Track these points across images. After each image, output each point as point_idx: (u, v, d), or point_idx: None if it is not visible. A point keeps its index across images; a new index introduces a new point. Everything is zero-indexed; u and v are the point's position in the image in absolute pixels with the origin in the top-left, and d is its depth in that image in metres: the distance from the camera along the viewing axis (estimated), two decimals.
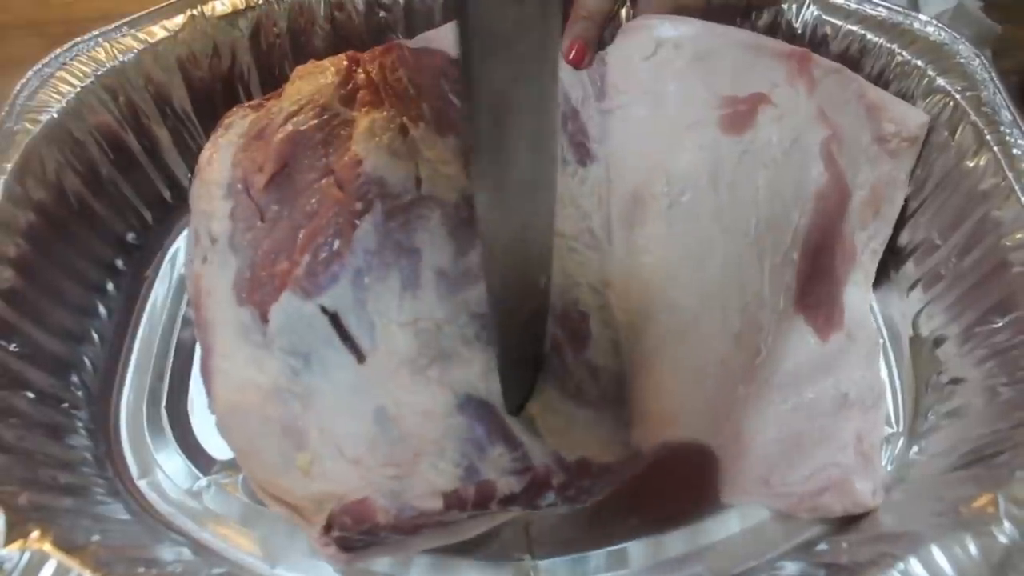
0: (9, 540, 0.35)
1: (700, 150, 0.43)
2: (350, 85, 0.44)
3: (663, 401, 0.38)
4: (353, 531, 0.36)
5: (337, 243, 0.38)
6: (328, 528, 0.36)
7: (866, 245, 0.49)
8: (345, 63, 0.45)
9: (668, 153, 0.44)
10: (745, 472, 0.42)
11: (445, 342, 0.37)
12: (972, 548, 0.35)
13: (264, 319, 0.38)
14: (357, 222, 0.38)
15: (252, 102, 0.47)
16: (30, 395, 0.44)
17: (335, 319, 0.37)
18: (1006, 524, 0.35)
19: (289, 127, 0.42)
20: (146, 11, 0.53)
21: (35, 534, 0.36)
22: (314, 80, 0.44)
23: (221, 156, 0.43)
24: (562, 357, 0.38)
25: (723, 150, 0.44)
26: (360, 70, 0.44)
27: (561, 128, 0.45)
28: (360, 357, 0.37)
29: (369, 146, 0.41)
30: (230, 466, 0.46)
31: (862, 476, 0.42)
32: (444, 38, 0.48)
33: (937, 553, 0.35)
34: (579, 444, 0.37)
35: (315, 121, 0.42)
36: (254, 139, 0.43)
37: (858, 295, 0.47)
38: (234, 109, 0.47)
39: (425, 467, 0.35)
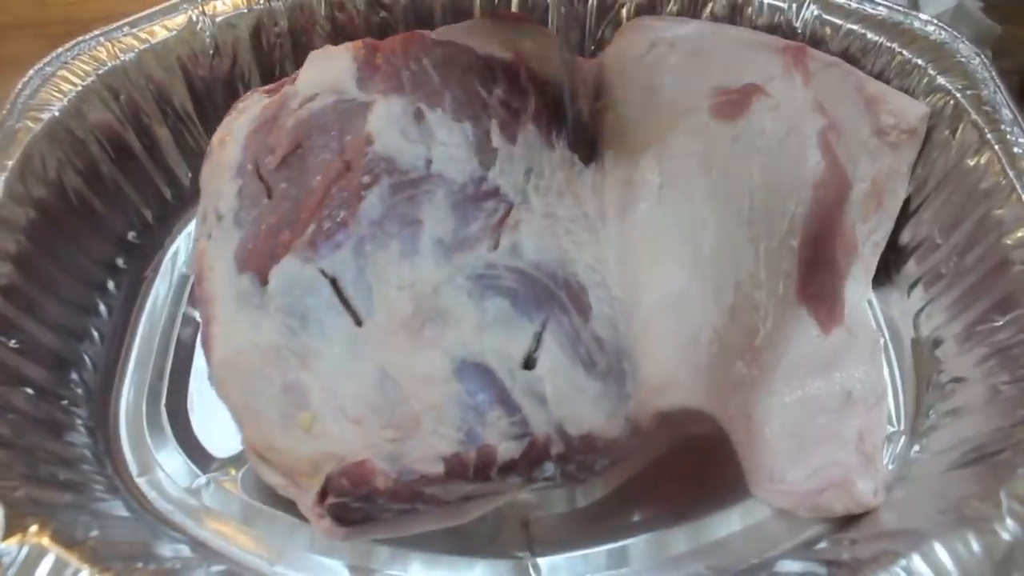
0: (8, 534, 0.35)
1: (692, 135, 0.44)
2: (367, 70, 0.44)
3: (657, 369, 0.39)
4: (350, 496, 0.35)
5: (343, 213, 0.39)
6: (323, 496, 0.36)
7: (867, 238, 0.49)
8: (363, 49, 0.45)
9: (661, 137, 0.44)
10: (756, 462, 0.42)
11: (441, 302, 0.38)
12: (975, 545, 0.35)
13: (263, 282, 0.39)
14: (364, 194, 0.40)
15: (267, 87, 0.48)
16: (29, 391, 0.44)
17: (334, 283, 0.39)
18: (1009, 521, 0.35)
19: (304, 112, 0.43)
20: (147, 11, 0.54)
21: (34, 528, 0.36)
22: (330, 65, 0.44)
23: (233, 138, 0.44)
24: (571, 320, 0.38)
25: (715, 135, 0.44)
26: (379, 57, 0.45)
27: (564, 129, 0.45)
28: (357, 320, 0.38)
29: (382, 127, 0.42)
30: (229, 464, 0.46)
31: (864, 475, 0.42)
32: (469, 35, 0.48)
33: (940, 550, 0.35)
34: (586, 418, 0.37)
35: (331, 105, 0.43)
36: (267, 122, 0.44)
37: (857, 291, 0.47)
38: (248, 94, 0.47)
39: (426, 431, 0.36)
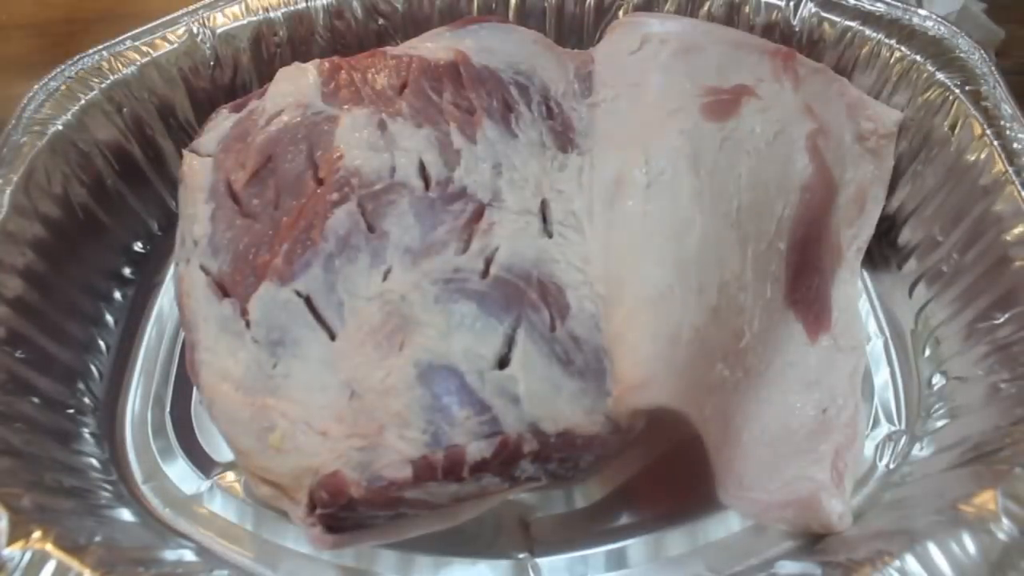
0: (11, 540, 0.36)
1: (680, 134, 0.44)
2: (332, 85, 0.45)
3: (636, 367, 0.38)
4: (332, 507, 0.36)
5: (313, 232, 0.40)
6: (312, 507, 0.37)
7: (851, 243, 0.49)
8: (327, 65, 0.46)
9: (649, 136, 0.44)
10: (728, 467, 0.41)
11: (407, 309, 0.38)
12: (970, 546, 0.35)
13: (244, 310, 0.39)
14: (331, 212, 0.40)
15: (232, 103, 0.48)
16: (37, 401, 0.44)
17: (308, 301, 0.39)
18: (1005, 521, 0.35)
19: (272, 126, 0.43)
20: (148, 24, 0.54)
21: (37, 534, 0.36)
22: (296, 81, 0.45)
23: (203, 160, 0.45)
24: (544, 319, 0.39)
25: (704, 135, 0.44)
26: (343, 72, 0.46)
27: (541, 118, 0.46)
28: (331, 335, 0.39)
29: (350, 140, 0.42)
30: (233, 470, 0.46)
31: (834, 495, 0.41)
32: (424, 44, 0.49)
33: (934, 551, 0.35)
34: (562, 415, 0.37)
35: (298, 119, 0.44)
36: (236, 141, 0.44)
37: (844, 296, 0.46)
38: (215, 112, 0.47)
39: (392, 437, 0.36)
